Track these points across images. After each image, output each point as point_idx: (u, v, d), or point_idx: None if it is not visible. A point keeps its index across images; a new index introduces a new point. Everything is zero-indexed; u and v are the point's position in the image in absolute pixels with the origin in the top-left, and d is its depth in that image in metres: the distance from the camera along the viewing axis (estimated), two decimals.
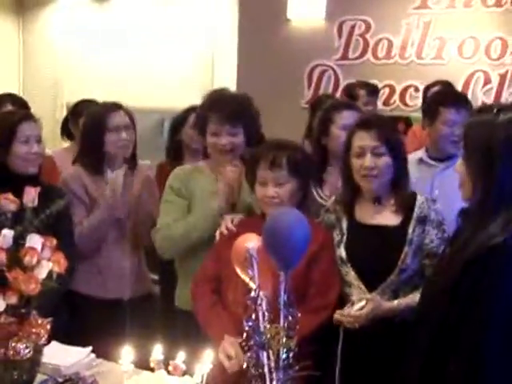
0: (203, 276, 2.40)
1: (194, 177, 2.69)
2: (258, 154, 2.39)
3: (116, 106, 2.89)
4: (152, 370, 1.88)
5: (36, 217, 1.99)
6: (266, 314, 1.51)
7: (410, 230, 2.29)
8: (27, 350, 1.90)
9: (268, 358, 1.51)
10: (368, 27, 5.06)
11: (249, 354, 1.52)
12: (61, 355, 2.17)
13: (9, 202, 1.93)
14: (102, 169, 2.82)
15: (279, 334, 1.52)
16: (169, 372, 1.85)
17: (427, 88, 4.16)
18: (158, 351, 1.87)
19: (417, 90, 4.92)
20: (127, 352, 1.84)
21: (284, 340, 1.52)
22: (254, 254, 1.46)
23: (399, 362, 2.14)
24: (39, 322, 1.94)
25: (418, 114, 3.80)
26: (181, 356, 1.85)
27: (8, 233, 1.88)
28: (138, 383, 1.85)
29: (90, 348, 2.27)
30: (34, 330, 1.92)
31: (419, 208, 2.32)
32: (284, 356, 1.53)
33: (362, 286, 2.28)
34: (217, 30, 5.96)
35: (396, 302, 2.26)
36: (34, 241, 1.90)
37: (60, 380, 2.05)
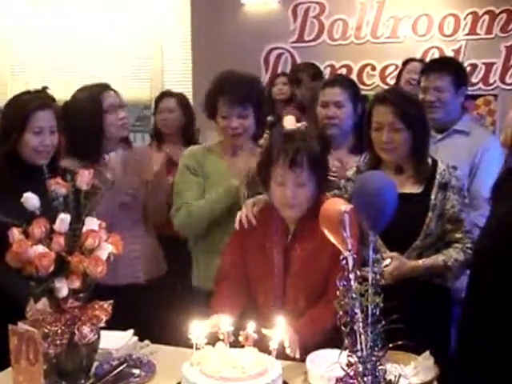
0: (221, 273, 2.34)
1: (207, 157, 2.73)
2: (273, 149, 2.21)
3: (105, 86, 2.80)
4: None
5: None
6: (357, 273, 1.58)
7: (433, 197, 2.40)
8: (93, 334, 1.89)
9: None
10: (323, 9, 5.17)
11: (341, 313, 1.59)
12: (105, 339, 2.15)
13: (60, 187, 1.90)
14: (99, 156, 2.74)
15: (367, 291, 1.59)
16: (239, 342, 1.90)
17: (402, 65, 4.30)
18: (226, 322, 1.90)
19: (373, 68, 5.10)
20: (197, 326, 1.86)
21: (371, 297, 1.60)
22: (348, 216, 1.52)
23: (420, 320, 2.29)
24: (100, 304, 1.93)
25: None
26: (251, 326, 1.89)
27: (65, 217, 1.85)
28: (204, 357, 1.87)
29: (132, 331, 2.26)
30: (95, 313, 1.91)
31: (440, 175, 2.43)
32: (372, 312, 1.60)
33: (387, 252, 2.38)
34: (167, 18, 5.91)
35: (421, 261, 2.38)
36: (92, 223, 1.89)
37: (115, 363, 2.03)
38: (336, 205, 1.57)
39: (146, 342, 2.23)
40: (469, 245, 2.41)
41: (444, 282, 2.48)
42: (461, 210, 2.42)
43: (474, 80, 4.76)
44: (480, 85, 4.84)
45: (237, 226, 2.34)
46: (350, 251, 1.56)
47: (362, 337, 1.60)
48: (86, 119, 2.73)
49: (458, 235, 2.42)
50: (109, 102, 2.75)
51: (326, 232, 1.61)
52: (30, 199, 1.88)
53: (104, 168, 2.75)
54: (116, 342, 2.17)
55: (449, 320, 2.58)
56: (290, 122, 4.18)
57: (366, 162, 2.56)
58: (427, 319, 2.34)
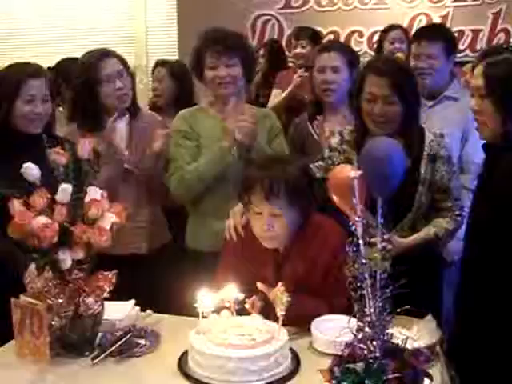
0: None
1: (199, 117, 2.70)
2: (251, 177, 2.12)
3: (104, 54, 2.73)
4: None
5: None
6: (367, 238, 1.58)
7: (423, 170, 2.38)
8: (97, 304, 1.88)
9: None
10: None
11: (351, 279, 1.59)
12: (107, 310, 2.13)
13: (60, 156, 1.86)
14: (101, 123, 2.68)
15: (376, 257, 1.60)
16: (245, 310, 1.90)
17: (383, 33, 4.25)
18: (233, 290, 1.90)
19: (361, 35, 5.07)
20: (204, 294, 1.85)
21: (380, 262, 1.60)
22: (356, 182, 1.52)
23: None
24: (104, 275, 1.92)
25: (363, 59, 3.91)
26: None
27: (67, 187, 1.82)
28: (210, 326, 1.86)
29: (133, 301, 2.24)
30: (99, 284, 1.89)
31: (429, 146, 2.39)
32: (380, 277, 1.61)
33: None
34: None
35: (411, 237, 2.39)
36: (94, 193, 1.86)
37: (119, 334, 2.02)
38: (345, 171, 1.56)
39: (149, 311, 2.22)
40: (457, 212, 2.44)
41: (433, 249, 2.51)
42: (449, 179, 2.42)
43: (461, 47, 4.75)
44: (467, 51, 4.85)
45: (227, 235, 2.28)
46: (359, 217, 1.56)
47: (371, 302, 1.62)
48: (80, 89, 2.73)
49: (448, 204, 2.44)
50: (106, 71, 2.68)
51: (335, 198, 1.60)
52: (30, 169, 1.84)
53: (108, 135, 2.69)
54: (118, 312, 2.14)
55: (440, 282, 2.61)
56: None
57: (352, 130, 2.49)
58: (419, 283, 2.35)
